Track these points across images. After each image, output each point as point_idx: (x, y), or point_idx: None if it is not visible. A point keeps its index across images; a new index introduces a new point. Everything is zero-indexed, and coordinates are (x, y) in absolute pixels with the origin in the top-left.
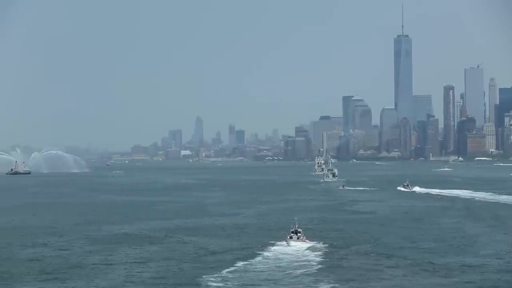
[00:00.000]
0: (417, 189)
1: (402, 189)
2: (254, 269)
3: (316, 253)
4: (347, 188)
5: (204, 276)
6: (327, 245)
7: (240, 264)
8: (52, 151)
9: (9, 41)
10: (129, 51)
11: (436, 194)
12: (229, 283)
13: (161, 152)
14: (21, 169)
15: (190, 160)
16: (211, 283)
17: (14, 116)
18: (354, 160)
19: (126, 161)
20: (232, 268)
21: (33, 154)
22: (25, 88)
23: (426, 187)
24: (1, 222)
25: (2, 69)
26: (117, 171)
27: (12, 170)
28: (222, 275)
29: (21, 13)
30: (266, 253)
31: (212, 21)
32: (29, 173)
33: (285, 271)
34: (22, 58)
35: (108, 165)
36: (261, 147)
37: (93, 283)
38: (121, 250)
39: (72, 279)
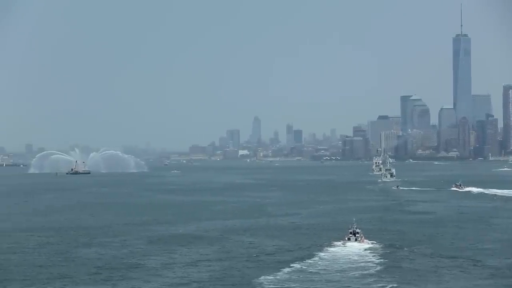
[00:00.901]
0: (472, 189)
1: (455, 189)
2: (311, 270)
3: (374, 254)
4: (401, 188)
5: (261, 278)
6: (385, 246)
7: (296, 265)
8: (110, 151)
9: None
10: (184, 51)
11: (492, 195)
12: (285, 284)
13: (219, 152)
14: (80, 169)
15: (248, 160)
16: (268, 285)
17: (73, 117)
18: (411, 160)
19: (184, 161)
20: (288, 269)
21: (91, 154)
22: (80, 89)
23: (483, 187)
24: (60, 222)
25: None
26: (175, 171)
27: (72, 170)
28: (278, 276)
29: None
30: (323, 254)
31: (276, 24)
32: (89, 173)
33: (342, 272)
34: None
35: (166, 165)
36: (319, 147)
37: (150, 283)
38: (178, 250)
39: (129, 279)
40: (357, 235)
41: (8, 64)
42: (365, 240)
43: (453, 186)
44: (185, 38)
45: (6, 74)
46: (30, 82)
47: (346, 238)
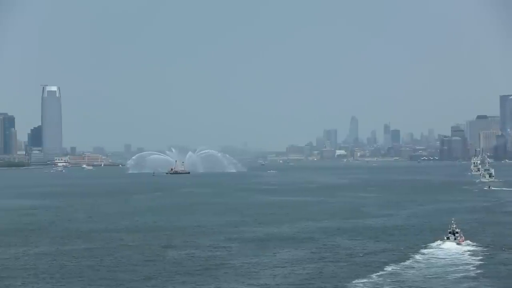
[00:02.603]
0: None
1: None
2: (406, 273)
3: (474, 256)
4: (492, 188)
5: (353, 281)
6: (485, 247)
7: (390, 267)
8: (207, 151)
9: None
10: (282, 51)
11: None
12: None
13: (316, 152)
14: (180, 169)
15: (344, 160)
16: None
17: (169, 117)
18: (507, 160)
19: (280, 161)
20: (382, 272)
21: (188, 154)
22: (179, 89)
23: None
24: (155, 222)
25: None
26: (271, 171)
27: (171, 170)
28: (372, 279)
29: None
30: (418, 256)
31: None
32: (188, 173)
33: (439, 275)
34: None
35: (263, 164)
36: (417, 147)
37: (241, 284)
38: (271, 251)
39: (221, 280)
40: (456, 234)
41: (107, 66)
42: (465, 241)
43: None
44: (276, 34)
45: (105, 75)
46: (128, 82)
47: (445, 238)
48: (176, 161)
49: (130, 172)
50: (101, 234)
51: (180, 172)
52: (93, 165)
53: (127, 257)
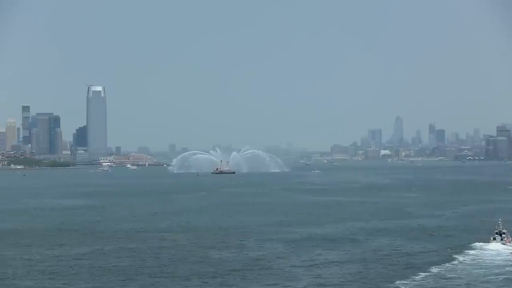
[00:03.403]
0: None
1: None
2: (450, 275)
3: None
4: None
5: (396, 282)
6: None
7: (434, 269)
8: (251, 151)
9: None
10: (325, 52)
11: None
12: None
13: (360, 151)
14: (225, 168)
15: (389, 160)
16: None
17: (215, 116)
18: None
19: (324, 161)
20: (425, 274)
21: (232, 154)
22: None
23: None
24: (196, 222)
25: None
26: (315, 170)
27: (217, 169)
28: (415, 281)
29: None
30: (463, 258)
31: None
32: (233, 173)
33: (484, 277)
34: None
35: (307, 164)
36: (462, 147)
37: (284, 285)
38: (313, 251)
39: (264, 280)
40: (503, 235)
41: (152, 65)
42: (511, 242)
43: None
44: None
45: (150, 75)
46: (173, 82)
47: (492, 238)
48: (221, 161)
49: (174, 172)
50: (144, 234)
51: (226, 172)
52: (137, 165)
53: (169, 257)
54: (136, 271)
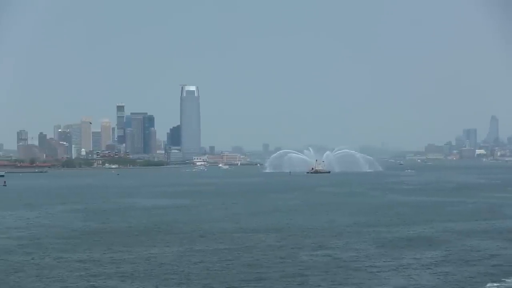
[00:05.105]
0: None
1: None
2: None
3: None
4: None
5: (487, 284)
6: None
7: None
8: (343, 150)
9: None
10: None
11: None
12: None
13: (455, 151)
14: (320, 168)
15: (484, 160)
16: None
17: (309, 115)
18: None
19: (418, 160)
20: None
21: (325, 153)
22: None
23: None
24: (287, 221)
25: None
26: (409, 170)
27: (312, 169)
28: (506, 283)
29: None
30: None
31: None
32: (329, 172)
33: None
34: None
35: (401, 164)
36: None
37: (371, 286)
38: (402, 253)
39: (351, 281)
40: None
41: (245, 65)
42: None
43: None
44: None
45: (243, 75)
46: (266, 81)
47: None
48: (316, 160)
49: (266, 171)
50: (233, 234)
51: (321, 171)
52: (229, 165)
53: (258, 257)
54: (222, 273)
